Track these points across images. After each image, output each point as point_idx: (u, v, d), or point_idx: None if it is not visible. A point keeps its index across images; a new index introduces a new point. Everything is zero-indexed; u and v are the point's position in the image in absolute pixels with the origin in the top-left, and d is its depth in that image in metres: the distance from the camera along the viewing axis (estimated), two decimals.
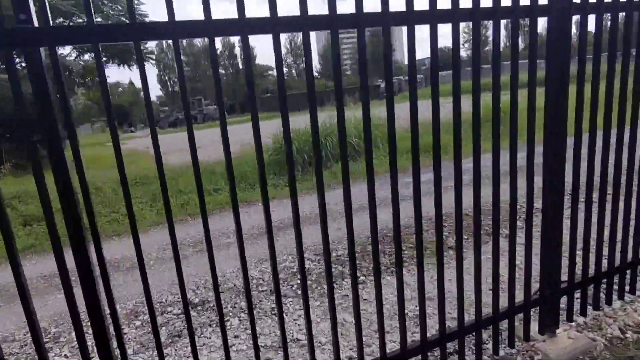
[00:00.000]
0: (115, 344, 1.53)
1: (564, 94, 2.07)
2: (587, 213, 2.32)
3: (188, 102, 1.57)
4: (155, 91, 55.52)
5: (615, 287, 2.59)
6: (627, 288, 2.67)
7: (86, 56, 13.36)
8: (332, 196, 6.73)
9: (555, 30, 2.02)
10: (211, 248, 1.66)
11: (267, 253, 4.01)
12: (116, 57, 12.71)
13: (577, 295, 2.59)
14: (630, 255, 2.57)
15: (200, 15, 1.45)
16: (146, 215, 6.56)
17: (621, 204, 2.45)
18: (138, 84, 48.47)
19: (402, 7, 1.69)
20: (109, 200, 7.26)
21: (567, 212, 2.32)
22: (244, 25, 1.48)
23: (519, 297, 2.28)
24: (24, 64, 1.26)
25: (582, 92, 2.12)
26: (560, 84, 2.06)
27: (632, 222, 2.52)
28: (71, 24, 10.52)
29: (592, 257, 2.47)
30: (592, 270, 2.48)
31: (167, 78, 53.92)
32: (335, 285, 3.46)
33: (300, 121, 8.59)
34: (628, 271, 2.59)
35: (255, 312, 3.19)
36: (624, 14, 2.16)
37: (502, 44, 2.01)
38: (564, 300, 2.40)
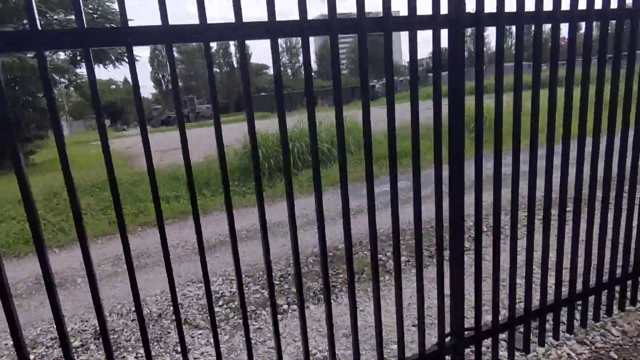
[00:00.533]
0: None
1: (459, 111, 1.79)
2: (495, 252, 2.03)
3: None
4: (149, 89, 55.09)
5: (536, 332, 2.31)
6: (550, 333, 2.38)
7: (62, 55, 13.05)
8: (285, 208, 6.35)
9: (451, 43, 1.75)
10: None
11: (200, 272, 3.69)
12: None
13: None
14: (551, 297, 2.29)
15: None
16: (95, 224, 6.27)
17: (538, 237, 2.17)
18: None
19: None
20: (63, 208, 6.97)
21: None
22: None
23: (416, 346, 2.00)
24: None
25: (480, 108, 1.84)
26: (454, 99, 1.79)
27: (552, 260, 2.24)
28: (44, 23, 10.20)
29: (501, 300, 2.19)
30: (504, 315, 2.20)
31: (161, 76, 53.45)
32: (251, 315, 3.18)
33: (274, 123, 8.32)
34: (550, 314, 2.30)
35: (157, 346, 2.91)
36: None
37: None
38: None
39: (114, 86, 45.31)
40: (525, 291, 2.18)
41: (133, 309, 3.45)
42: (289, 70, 62.53)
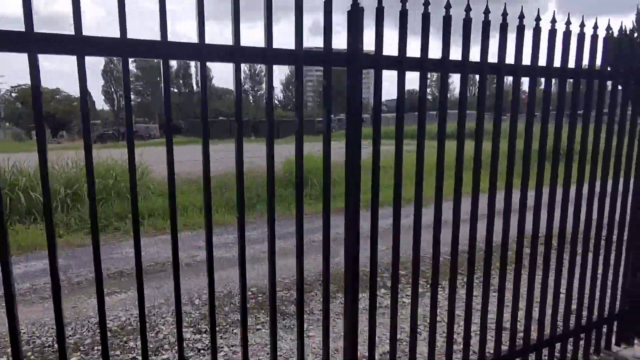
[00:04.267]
0: None
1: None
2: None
3: None
4: (99, 103, 52.71)
5: None
6: None
7: None
8: None
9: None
10: None
11: None
12: None
13: None
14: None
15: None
16: None
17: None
18: (74, 92, 45.73)
19: None
20: None
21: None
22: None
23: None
24: None
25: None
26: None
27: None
28: None
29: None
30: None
31: (112, 90, 51.18)
32: None
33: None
34: None
35: None
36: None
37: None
38: None
39: (58, 96, 42.73)
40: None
41: None
42: (250, 97, 62.53)
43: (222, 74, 68.69)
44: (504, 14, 1.91)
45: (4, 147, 20.20)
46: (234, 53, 1.49)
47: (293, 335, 3.09)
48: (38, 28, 1.24)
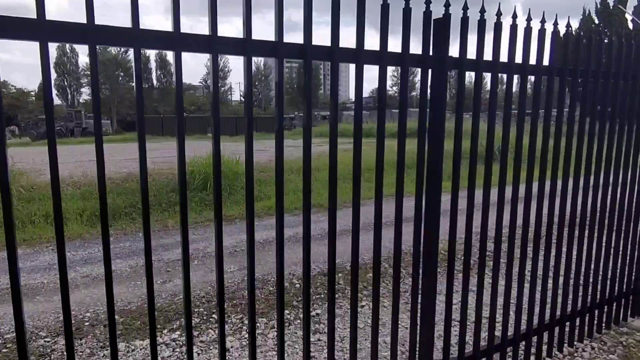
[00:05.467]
0: None
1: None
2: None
3: None
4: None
5: None
6: None
7: None
8: None
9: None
10: None
11: None
12: None
13: None
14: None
15: None
16: None
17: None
18: (29, 85, 42.78)
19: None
20: None
21: None
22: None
23: None
24: None
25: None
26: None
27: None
28: None
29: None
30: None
31: (67, 84, 48.08)
32: None
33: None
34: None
35: None
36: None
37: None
38: None
39: (4, 90, 39.88)
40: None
41: None
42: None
43: (188, 69, 66.75)
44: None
45: None
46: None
47: None
48: None
